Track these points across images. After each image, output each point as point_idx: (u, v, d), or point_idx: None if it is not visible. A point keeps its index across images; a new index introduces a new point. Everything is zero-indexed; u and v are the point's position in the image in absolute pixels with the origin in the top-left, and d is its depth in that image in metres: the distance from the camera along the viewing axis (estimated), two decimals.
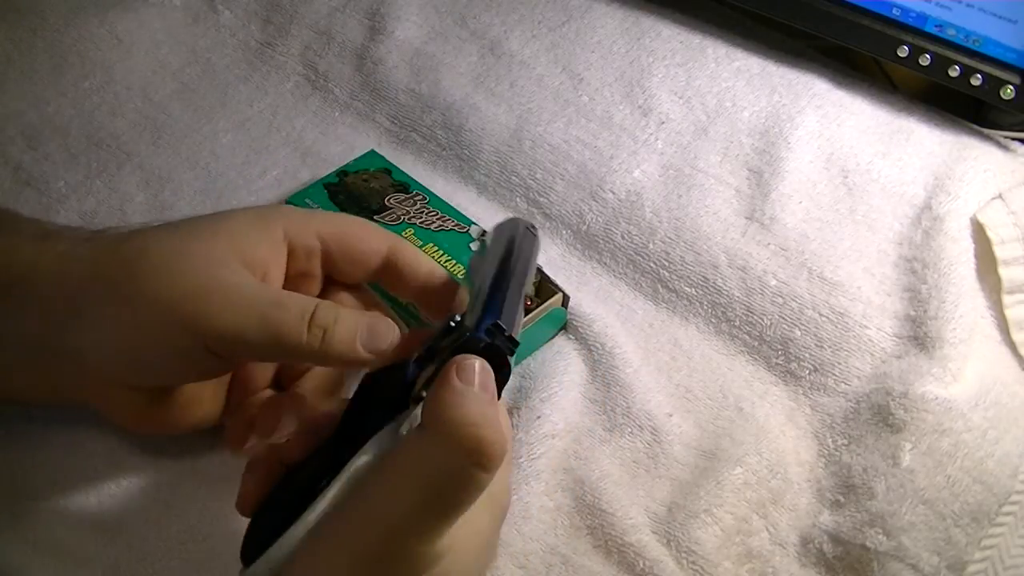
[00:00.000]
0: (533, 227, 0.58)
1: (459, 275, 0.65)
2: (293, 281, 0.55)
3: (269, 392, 0.57)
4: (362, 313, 0.51)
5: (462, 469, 0.44)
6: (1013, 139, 0.77)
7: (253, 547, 0.47)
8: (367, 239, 0.55)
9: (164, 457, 0.59)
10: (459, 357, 0.46)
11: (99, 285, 0.50)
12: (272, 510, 0.48)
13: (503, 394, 0.48)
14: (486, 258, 0.54)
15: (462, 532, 0.46)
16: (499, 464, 0.45)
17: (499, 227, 0.58)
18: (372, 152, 0.74)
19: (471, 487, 0.44)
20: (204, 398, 0.55)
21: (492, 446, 0.44)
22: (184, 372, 0.52)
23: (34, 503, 0.56)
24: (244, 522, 0.56)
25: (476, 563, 0.49)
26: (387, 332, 0.50)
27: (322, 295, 0.56)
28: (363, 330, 0.50)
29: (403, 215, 0.69)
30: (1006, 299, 0.68)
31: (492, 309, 0.48)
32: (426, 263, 0.56)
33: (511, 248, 0.54)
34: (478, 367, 0.46)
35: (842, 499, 0.60)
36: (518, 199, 0.75)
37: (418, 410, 0.47)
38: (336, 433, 0.48)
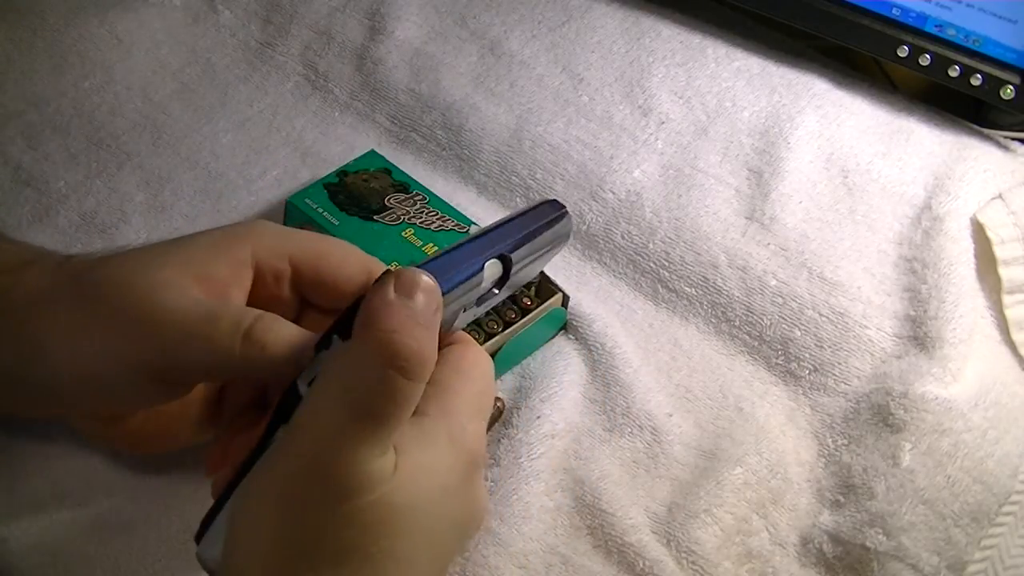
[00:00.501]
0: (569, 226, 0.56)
1: None
2: (263, 305, 0.52)
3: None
4: (303, 330, 0.49)
5: (381, 375, 0.42)
6: (1013, 139, 0.77)
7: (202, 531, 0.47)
8: (344, 265, 0.53)
9: (164, 457, 0.59)
10: (403, 269, 0.44)
11: (60, 318, 0.49)
12: (219, 500, 0.47)
13: None
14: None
15: (410, 461, 0.45)
16: (421, 374, 0.43)
17: (544, 208, 0.55)
18: (372, 152, 0.74)
19: (394, 395, 0.43)
20: (184, 421, 0.54)
21: (409, 352, 0.42)
22: (138, 399, 0.51)
23: (34, 503, 0.56)
24: None
25: (431, 504, 0.46)
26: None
27: (298, 320, 0.53)
28: (303, 344, 0.48)
29: (403, 215, 0.69)
30: (1006, 299, 0.68)
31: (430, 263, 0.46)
32: None
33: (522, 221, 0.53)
34: (422, 283, 0.44)
35: (842, 499, 0.60)
36: (518, 199, 0.75)
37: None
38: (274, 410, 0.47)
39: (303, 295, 0.54)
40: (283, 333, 0.48)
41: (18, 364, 0.50)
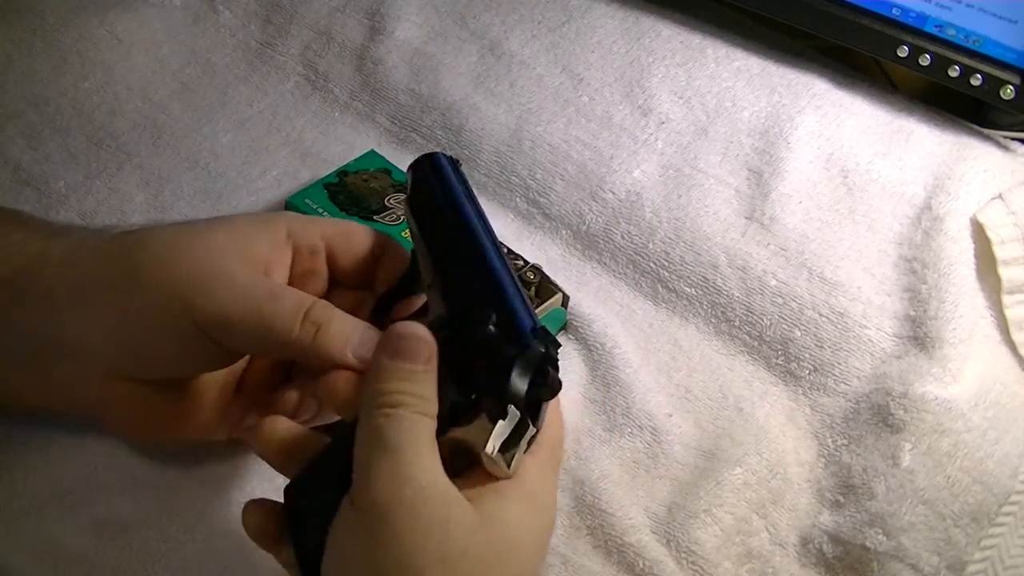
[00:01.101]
0: (455, 160, 0.58)
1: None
2: (299, 279, 0.55)
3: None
4: (358, 321, 0.51)
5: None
6: (1013, 139, 0.77)
7: (296, 525, 0.48)
8: (367, 241, 0.56)
9: (164, 457, 0.59)
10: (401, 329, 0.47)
11: (101, 273, 0.51)
12: (311, 494, 0.48)
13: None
14: (430, 222, 0.54)
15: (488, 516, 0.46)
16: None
17: (423, 173, 0.57)
18: (372, 152, 0.74)
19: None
20: (206, 403, 0.55)
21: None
22: (182, 359, 0.52)
23: (35, 504, 0.56)
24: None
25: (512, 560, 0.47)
26: (373, 341, 0.49)
27: (327, 296, 0.56)
28: (355, 337, 0.50)
29: (403, 215, 0.69)
30: (1006, 299, 0.68)
31: (522, 308, 0.49)
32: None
33: (460, 206, 0.54)
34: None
35: (842, 499, 0.60)
36: (518, 199, 0.75)
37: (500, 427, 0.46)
38: None
39: (331, 272, 0.56)
40: (338, 321, 0.50)
41: (48, 322, 0.51)
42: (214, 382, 0.55)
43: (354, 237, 0.56)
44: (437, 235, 0.54)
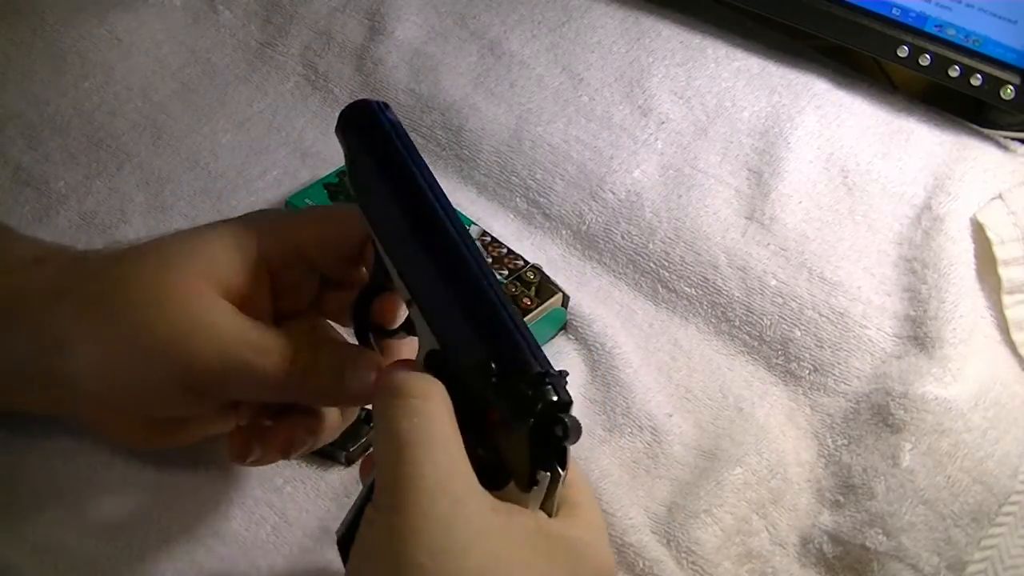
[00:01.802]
0: (384, 105, 0.51)
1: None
2: (284, 294, 0.53)
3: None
4: (345, 347, 0.50)
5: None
6: (1013, 139, 0.77)
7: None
8: (348, 236, 0.53)
9: (164, 458, 0.58)
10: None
11: (83, 322, 0.50)
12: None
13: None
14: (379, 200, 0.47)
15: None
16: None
17: (358, 135, 0.49)
18: None
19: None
20: (207, 419, 0.55)
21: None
22: (169, 408, 0.52)
23: (35, 504, 0.56)
24: (242, 522, 0.56)
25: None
26: (370, 365, 0.49)
27: (319, 299, 0.55)
28: (347, 369, 0.49)
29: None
30: (1006, 299, 0.68)
31: (521, 342, 0.44)
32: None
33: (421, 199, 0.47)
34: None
35: (842, 499, 0.60)
36: (518, 199, 0.75)
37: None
38: None
39: (319, 270, 0.54)
40: (326, 359, 0.49)
41: (38, 356, 0.51)
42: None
43: (331, 235, 0.53)
44: (395, 233, 0.47)
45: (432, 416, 0.43)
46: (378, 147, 0.49)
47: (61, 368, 0.51)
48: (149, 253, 0.51)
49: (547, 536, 0.44)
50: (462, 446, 0.43)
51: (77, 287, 0.51)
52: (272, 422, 0.54)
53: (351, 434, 0.58)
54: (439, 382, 0.44)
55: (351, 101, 0.51)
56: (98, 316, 0.50)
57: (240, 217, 0.53)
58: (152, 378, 0.49)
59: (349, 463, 0.59)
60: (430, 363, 0.46)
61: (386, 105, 0.51)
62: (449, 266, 0.45)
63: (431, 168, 0.64)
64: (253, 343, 0.49)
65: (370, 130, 0.49)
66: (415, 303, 0.47)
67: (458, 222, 0.47)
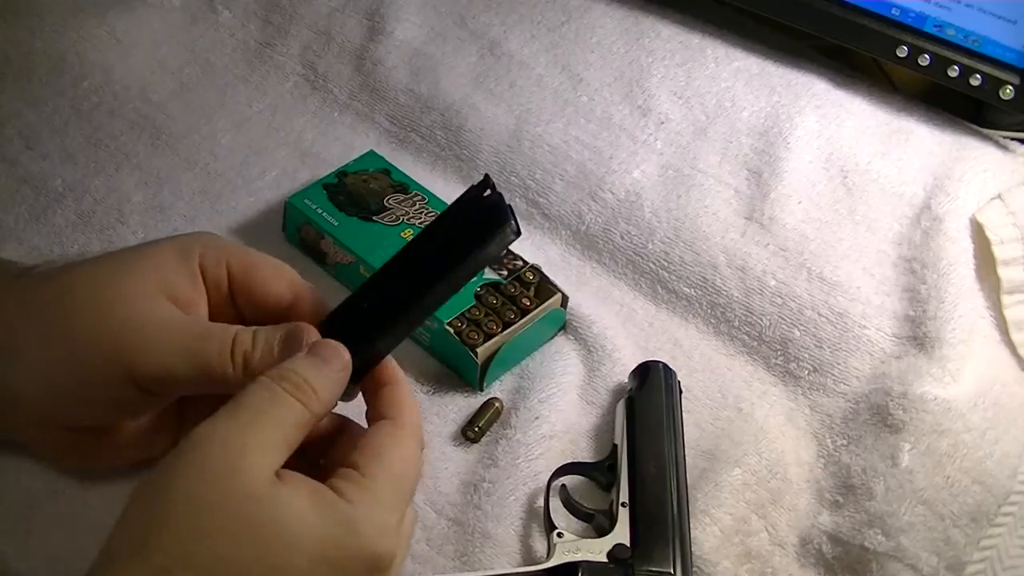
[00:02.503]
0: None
1: None
2: (212, 312, 0.54)
3: None
4: (274, 328, 0.51)
5: None
6: (1012, 139, 0.77)
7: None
8: (271, 285, 0.54)
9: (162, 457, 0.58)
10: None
11: (31, 325, 0.50)
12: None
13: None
14: None
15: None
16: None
17: (655, 384, 0.63)
18: (371, 152, 0.74)
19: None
20: (133, 436, 0.55)
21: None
22: (116, 409, 0.52)
23: (32, 505, 0.56)
24: None
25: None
26: (302, 334, 0.50)
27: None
28: (279, 343, 0.50)
29: (402, 216, 0.69)
30: (1005, 299, 0.68)
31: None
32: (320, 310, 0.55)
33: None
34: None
35: (841, 499, 0.60)
36: (517, 199, 0.75)
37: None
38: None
39: (239, 308, 0.55)
40: (260, 340, 0.50)
41: None
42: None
43: (257, 273, 0.54)
44: (645, 460, 0.58)
45: (283, 404, 0.46)
46: (669, 397, 0.62)
47: (5, 383, 0.51)
48: (96, 263, 0.53)
49: (314, 509, 0.45)
50: (290, 438, 0.46)
51: (21, 298, 0.51)
52: None
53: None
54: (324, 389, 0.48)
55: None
56: (43, 322, 0.50)
57: (181, 235, 0.56)
58: (103, 377, 0.50)
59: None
60: (612, 554, 0.54)
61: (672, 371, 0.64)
62: (665, 501, 0.57)
63: (431, 168, 0.64)
64: (197, 331, 0.51)
65: (665, 391, 0.62)
66: (627, 507, 0.56)
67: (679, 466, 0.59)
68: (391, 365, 0.52)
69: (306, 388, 0.47)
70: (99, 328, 0.50)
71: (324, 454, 0.53)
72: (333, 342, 0.49)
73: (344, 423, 0.54)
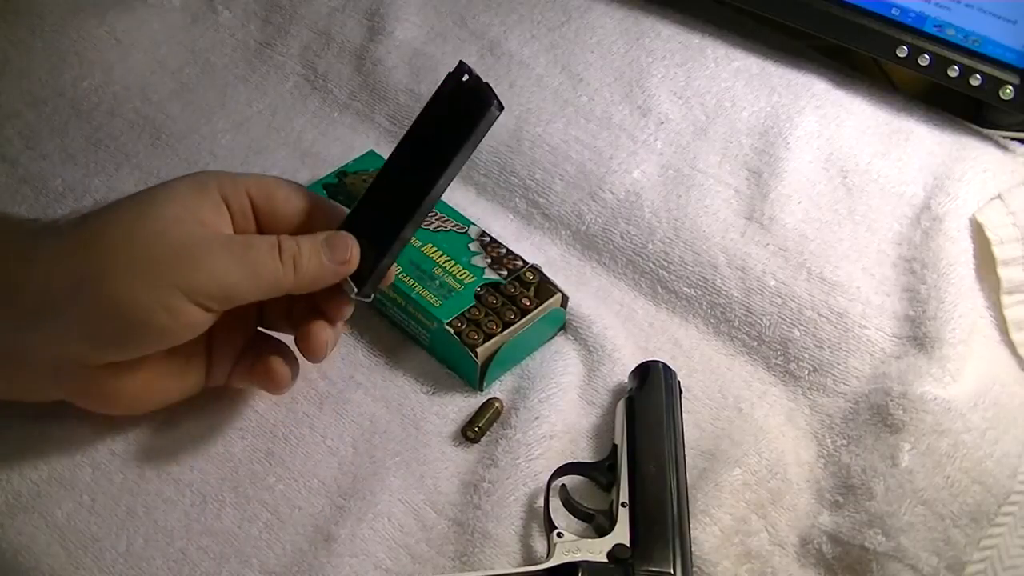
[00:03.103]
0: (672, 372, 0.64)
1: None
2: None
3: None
4: (315, 236, 0.55)
5: None
6: (1012, 139, 0.77)
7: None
8: (290, 201, 0.58)
9: (157, 454, 0.59)
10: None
11: (67, 272, 0.51)
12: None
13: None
14: None
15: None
16: None
17: (655, 384, 0.63)
18: (371, 152, 0.74)
19: None
20: (179, 371, 0.57)
21: None
22: (170, 333, 0.53)
23: (32, 500, 0.56)
24: (234, 519, 0.56)
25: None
26: (344, 241, 0.56)
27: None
28: (324, 248, 0.55)
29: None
30: (1005, 299, 0.68)
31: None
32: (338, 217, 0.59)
33: None
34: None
35: (841, 499, 0.60)
36: (517, 199, 0.75)
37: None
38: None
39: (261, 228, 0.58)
40: (306, 246, 0.55)
41: (20, 327, 0.52)
42: (188, 354, 0.57)
43: (278, 193, 0.58)
44: (645, 460, 0.58)
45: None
46: (668, 397, 0.62)
47: (39, 345, 0.52)
48: (119, 206, 0.54)
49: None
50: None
51: (51, 250, 0.52)
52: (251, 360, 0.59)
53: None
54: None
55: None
56: (80, 268, 0.51)
57: (190, 173, 0.57)
58: (154, 307, 0.51)
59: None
60: (612, 555, 0.54)
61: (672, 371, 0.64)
62: (664, 501, 0.57)
63: None
64: (240, 241, 0.54)
65: (665, 391, 0.62)
66: (627, 507, 0.56)
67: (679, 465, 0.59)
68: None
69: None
70: (139, 259, 0.51)
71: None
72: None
73: None
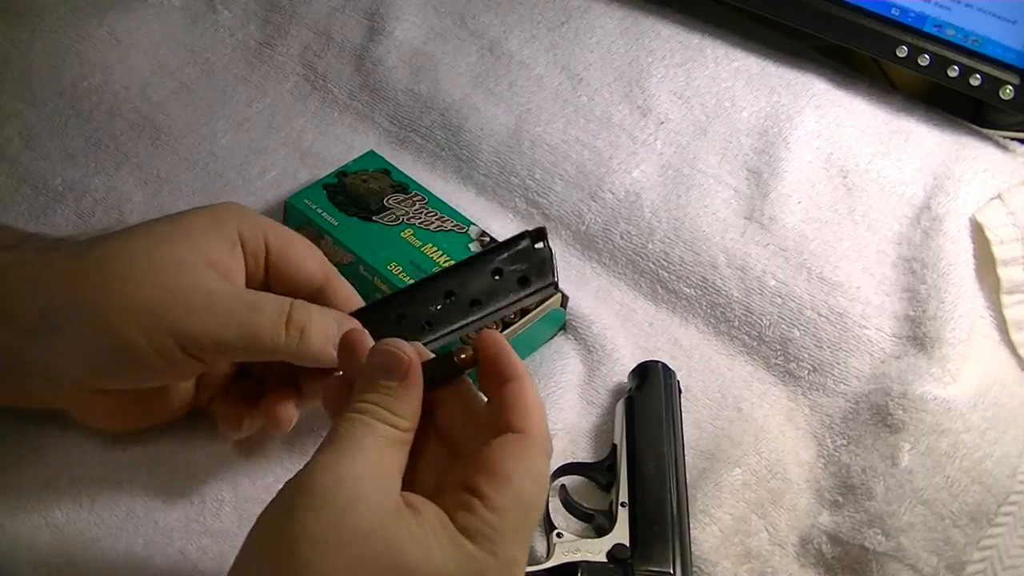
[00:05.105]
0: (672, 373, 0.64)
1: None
2: (247, 282, 0.55)
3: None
4: (332, 312, 0.52)
5: None
6: (1012, 139, 0.77)
7: None
8: (305, 263, 0.56)
9: (160, 455, 0.59)
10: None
11: (70, 297, 0.51)
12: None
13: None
14: None
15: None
16: None
17: (655, 384, 0.62)
18: (371, 152, 0.74)
19: None
20: (175, 392, 0.56)
21: None
22: (160, 375, 0.53)
23: (30, 502, 0.56)
24: (234, 519, 0.56)
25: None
26: (361, 339, 0.51)
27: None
28: (334, 330, 0.51)
29: (402, 215, 0.69)
30: (1005, 299, 0.68)
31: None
32: (350, 302, 0.57)
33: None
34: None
35: (841, 499, 0.60)
36: (517, 199, 0.75)
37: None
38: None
39: (269, 280, 0.56)
40: (318, 320, 0.51)
41: (19, 345, 0.51)
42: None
43: (294, 249, 0.56)
44: (645, 460, 0.58)
45: (375, 429, 0.45)
46: (668, 398, 0.62)
47: (44, 357, 0.51)
48: (131, 235, 0.53)
49: (440, 547, 0.43)
50: (394, 459, 0.45)
51: (60, 269, 0.51)
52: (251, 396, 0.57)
53: None
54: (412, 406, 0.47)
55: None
56: (81, 296, 0.50)
57: (213, 205, 0.56)
58: (144, 347, 0.50)
59: None
60: (612, 554, 0.54)
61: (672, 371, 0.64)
62: (664, 500, 0.57)
63: (430, 168, 0.64)
64: (247, 301, 0.51)
65: (665, 391, 0.62)
66: (626, 507, 0.56)
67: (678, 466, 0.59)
68: (513, 357, 0.49)
69: (387, 414, 0.46)
70: (140, 299, 0.50)
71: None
72: (365, 333, 0.50)
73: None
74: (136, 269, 0.51)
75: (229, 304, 0.51)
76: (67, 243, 0.54)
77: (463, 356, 0.48)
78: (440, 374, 0.49)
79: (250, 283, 0.55)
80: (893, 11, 0.77)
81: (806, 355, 0.66)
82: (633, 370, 0.64)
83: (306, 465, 0.44)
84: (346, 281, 0.57)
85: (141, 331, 0.50)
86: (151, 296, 0.50)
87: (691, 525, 0.57)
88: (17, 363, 0.52)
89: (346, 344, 0.50)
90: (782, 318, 0.67)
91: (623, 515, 0.56)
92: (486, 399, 0.49)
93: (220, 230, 0.53)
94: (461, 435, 0.49)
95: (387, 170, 0.73)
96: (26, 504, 0.56)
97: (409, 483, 0.46)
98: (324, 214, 0.69)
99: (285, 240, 0.56)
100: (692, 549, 0.56)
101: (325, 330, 0.52)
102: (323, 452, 0.44)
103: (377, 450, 0.44)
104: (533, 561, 0.56)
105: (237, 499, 0.58)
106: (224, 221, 0.54)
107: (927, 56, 0.76)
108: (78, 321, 0.50)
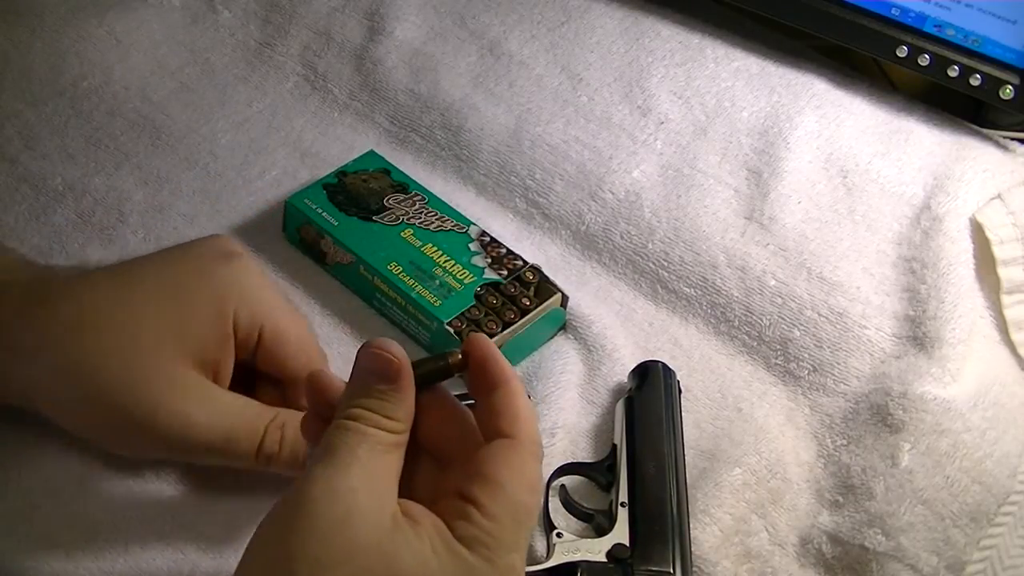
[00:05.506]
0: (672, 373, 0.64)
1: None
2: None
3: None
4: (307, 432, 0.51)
5: None
6: (1012, 139, 0.77)
7: None
8: (293, 360, 0.56)
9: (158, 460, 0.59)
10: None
11: (46, 353, 0.52)
12: None
13: None
14: None
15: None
16: None
17: (656, 384, 0.63)
18: (371, 152, 0.74)
19: None
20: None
21: None
22: (126, 446, 0.54)
23: (30, 504, 0.56)
24: (240, 520, 0.56)
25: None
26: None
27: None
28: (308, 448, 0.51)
29: (402, 215, 0.69)
30: (1005, 299, 0.68)
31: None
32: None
33: None
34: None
35: (841, 499, 0.60)
36: (517, 199, 0.75)
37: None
38: None
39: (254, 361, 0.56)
40: (288, 443, 0.53)
41: (24, 378, 0.52)
42: None
43: (283, 346, 0.56)
44: (644, 460, 0.58)
45: (369, 436, 0.45)
46: (668, 397, 0.62)
47: (17, 388, 0.53)
48: (115, 297, 0.53)
49: (437, 558, 0.43)
50: (390, 465, 0.45)
51: (35, 316, 0.52)
52: None
53: None
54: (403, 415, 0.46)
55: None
56: (60, 354, 0.52)
57: (217, 275, 0.55)
58: (125, 429, 0.52)
59: None
60: (612, 554, 0.54)
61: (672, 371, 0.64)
62: (664, 500, 0.57)
63: (431, 168, 0.64)
64: (224, 432, 0.52)
65: (665, 391, 0.62)
66: (626, 507, 0.56)
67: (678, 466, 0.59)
68: (501, 360, 0.48)
69: (381, 419, 0.45)
70: (119, 379, 0.51)
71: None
72: (384, 346, 0.46)
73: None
74: (119, 346, 0.51)
75: (207, 410, 0.52)
76: (52, 276, 0.55)
77: (455, 357, 0.48)
78: (431, 374, 0.48)
79: (237, 355, 0.55)
80: (893, 11, 0.77)
81: (806, 355, 0.66)
82: (633, 370, 0.64)
83: (300, 478, 0.44)
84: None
85: (119, 417, 0.52)
86: (129, 379, 0.51)
87: (691, 525, 0.57)
88: (19, 387, 0.53)
89: (312, 387, 0.48)
90: (782, 318, 0.67)
91: (623, 515, 0.56)
92: (469, 402, 0.49)
93: (216, 323, 0.53)
94: (445, 441, 0.48)
95: (387, 170, 0.73)
96: (26, 504, 0.56)
97: (405, 490, 0.46)
98: (324, 214, 0.69)
99: (279, 334, 0.55)
100: (692, 549, 0.56)
101: (297, 450, 0.53)
102: (317, 464, 0.44)
103: (372, 459, 0.44)
104: (533, 561, 0.56)
105: (237, 499, 0.58)
106: (223, 310, 0.54)
107: (927, 56, 0.76)
108: (52, 379, 0.52)
